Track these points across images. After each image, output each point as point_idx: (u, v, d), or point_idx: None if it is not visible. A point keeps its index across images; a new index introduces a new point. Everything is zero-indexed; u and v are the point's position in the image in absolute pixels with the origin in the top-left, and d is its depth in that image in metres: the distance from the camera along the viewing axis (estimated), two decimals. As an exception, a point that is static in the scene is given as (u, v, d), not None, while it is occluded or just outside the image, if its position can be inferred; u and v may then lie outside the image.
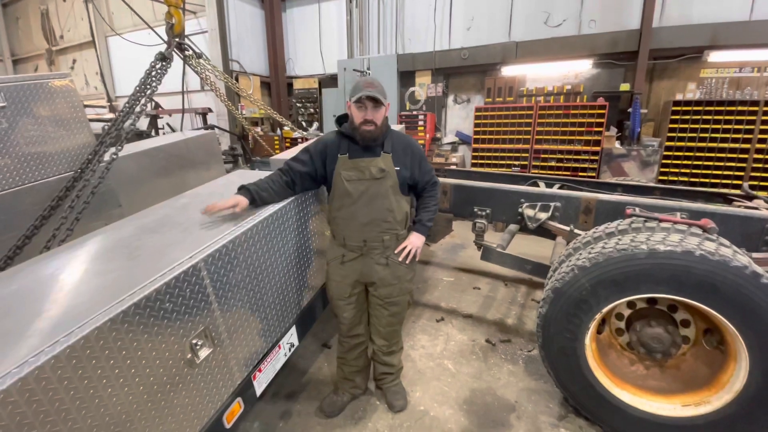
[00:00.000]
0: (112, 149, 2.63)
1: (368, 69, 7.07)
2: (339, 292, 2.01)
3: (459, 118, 7.57)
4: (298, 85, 8.78)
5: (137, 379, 1.21)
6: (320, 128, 7.93)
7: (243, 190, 1.82)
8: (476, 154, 6.69)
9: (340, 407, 2.22)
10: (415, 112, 7.33)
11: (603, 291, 1.88)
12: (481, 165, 6.59)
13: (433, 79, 7.34)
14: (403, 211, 1.97)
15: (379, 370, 2.30)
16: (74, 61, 11.39)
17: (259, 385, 1.78)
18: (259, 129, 8.26)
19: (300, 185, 1.96)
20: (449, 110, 7.67)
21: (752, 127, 5.02)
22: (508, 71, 6.71)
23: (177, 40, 3.12)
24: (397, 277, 2.00)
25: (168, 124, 6.99)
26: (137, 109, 2.74)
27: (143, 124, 7.25)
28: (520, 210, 2.79)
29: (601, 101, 5.86)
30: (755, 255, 2.09)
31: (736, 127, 5.11)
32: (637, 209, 2.28)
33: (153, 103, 7.36)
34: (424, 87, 7.43)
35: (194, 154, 3.74)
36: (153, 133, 6.89)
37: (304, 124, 8.60)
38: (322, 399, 2.27)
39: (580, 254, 2.05)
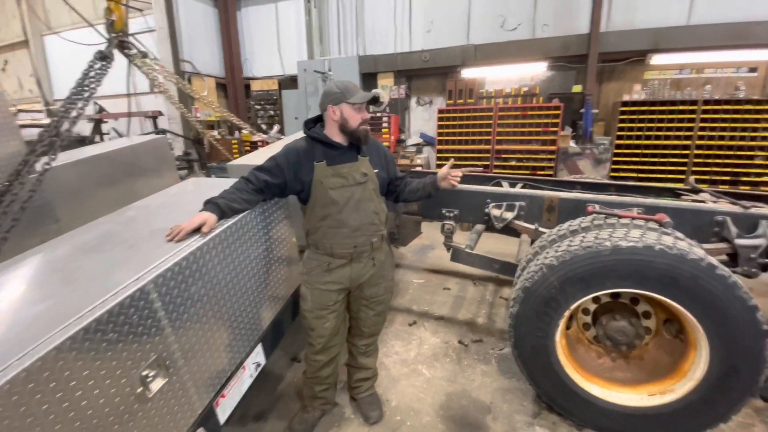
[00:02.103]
0: (45, 158, 2.36)
1: (330, 70, 6.94)
2: (323, 300, 1.90)
3: (422, 119, 7.63)
4: (256, 86, 8.48)
5: (78, 423, 1.06)
6: (281, 131, 7.69)
7: (210, 205, 1.65)
8: (441, 155, 6.75)
9: (312, 424, 2.11)
10: (379, 114, 7.29)
11: (571, 288, 1.91)
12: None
13: (395, 81, 7.34)
14: (385, 212, 1.98)
15: (354, 377, 2.23)
16: (6, 62, 10.34)
17: (223, 411, 1.64)
18: (215, 132, 7.87)
19: (268, 194, 1.86)
20: (412, 112, 7.70)
21: (692, 125, 5.43)
22: (467, 73, 6.84)
23: (118, 37, 2.86)
24: (382, 276, 1.99)
25: (114, 129, 6.50)
26: (73, 113, 2.47)
27: (86, 129, 6.69)
28: (486, 210, 2.80)
29: (556, 102, 6.10)
30: (705, 246, 2.21)
31: (678, 125, 5.50)
32: (597, 206, 2.36)
33: (97, 107, 6.82)
34: (387, 89, 7.42)
35: (143, 160, 3.46)
36: (97, 139, 6.37)
37: (264, 126, 8.31)
38: (291, 418, 2.15)
39: (547, 253, 2.07)
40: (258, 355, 1.89)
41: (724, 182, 5.39)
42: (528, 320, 2.03)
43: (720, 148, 5.39)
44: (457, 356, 2.74)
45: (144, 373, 1.26)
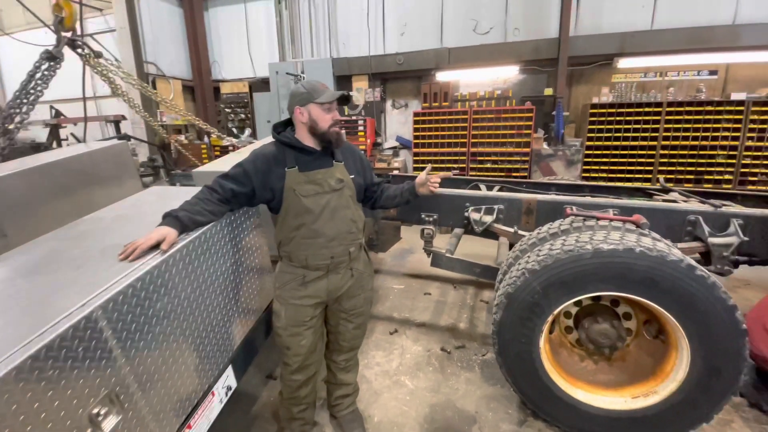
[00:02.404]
0: (-16, 168, 2.13)
1: (302, 73, 6.80)
2: (298, 316, 1.77)
3: (398, 122, 7.59)
4: (226, 89, 8.20)
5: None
6: (253, 134, 7.47)
7: (169, 218, 1.49)
8: (417, 158, 6.74)
9: (291, 448, 1.98)
10: (354, 117, 7.20)
11: (554, 293, 1.88)
12: (422, 169, 6.64)
13: (370, 83, 7.28)
14: (363, 219, 1.88)
15: (334, 394, 2.11)
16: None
17: (190, 443, 1.50)
18: (182, 137, 7.54)
19: (236, 204, 1.72)
20: (388, 115, 7.66)
21: (657, 126, 5.63)
22: (442, 77, 6.86)
23: (68, 36, 2.64)
24: (361, 287, 1.90)
25: (73, 135, 6.07)
26: (17, 119, 2.24)
27: (43, 135, 6.23)
28: (466, 214, 2.76)
29: (528, 105, 6.21)
30: (680, 245, 2.25)
31: (644, 126, 5.70)
32: (574, 208, 2.36)
33: (53, 111, 6.38)
34: (362, 92, 7.34)
35: (101, 168, 3.21)
36: (54, 146, 5.95)
37: (234, 130, 8.04)
38: (270, 441, 2.01)
39: (529, 257, 2.04)
40: (229, 379, 1.75)
41: (688, 181, 5.62)
42: (512, 327, 1.98)
43: (684, 148, 5.62)
44: (440, 364, 2.67)
45: (94, 411, 1.11)
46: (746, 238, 2.16)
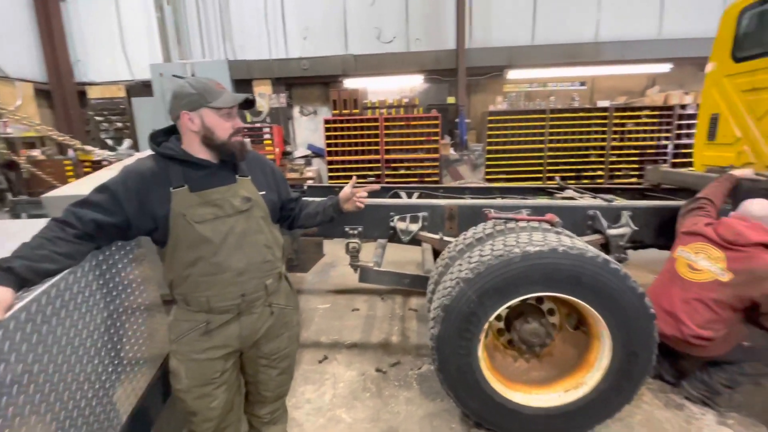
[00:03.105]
0: None
1: (193, 75, 6.05)
2: (204, 374, 1.40)
3: (308, 130, 7.29)
4: (95, 93, 6.93)
5: None
6: (134, 146, 6.41)
7: (0, 273, 1.03)
8: (332, 166, 6.53)
9: None
10: (258, 125, 6.67)
11: (488, 300, 1.85)
12: (338, 177, 6.46)
13: (274, 89, 6.84)
14: (280, 243, 1.55)
15: None
16: None
17: None
18: (38, 152, 6.12)
19: (103, 239, 1.30)
20: (296, 122, 7.30)
21: (543, 131, 6.34)
22: (349, 83, 6.78)
23: None
24: (284, 324, 1.57)
25: None
26: None
27: None
28: (392, 224, 2.65)
29: (434, 113, 6.47)
30: (584, 239, 2.44)
31: (533, 131, 6.37)
32: (492, 211, 2.41)
33: None
34: (265, 97, 6.85)
35: None
36: None
37: (110, 142, 6.82)
38: None
39: (460, 265, 1.99)
40: (111, 472, 1.31)
41: (570, 178, 6.43)
42: (450, 340, 1.90)
43: (565, 149, 6.42)
44: (377, 388, 2.49)
45: None
46: (636, 228, 2.44)
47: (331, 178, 6.56)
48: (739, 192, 2.44)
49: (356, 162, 6.46)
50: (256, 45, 6.80)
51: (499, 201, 2.77)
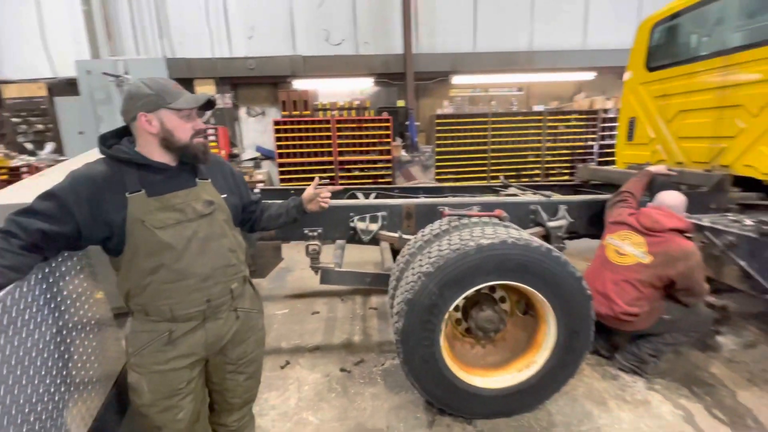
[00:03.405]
0: None
1: (127, 73, 5.63)
2: (170, 385, 1.34)
3: (256, 131, 7.08)
4: (11, 92, 6.17)
5: None
6: (59, 150, 5.80)
7: None
8: (283, 169, 6.39)
9: None
10: (203, 126, 6.34)
11: (448, 291, 1.96)
12: (290, 180, 6.35)
13: (218, 89, 6.55)
14: (243, 246, 1.54)
15: None
16: None
17: None
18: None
19: (51, 250, 1.21)
20: (243, 123, 7.06)
21: (486, 133, 6.73)
22: (299, 85, 6.70)
23: None
24: (251, 328, 1.55)
25: None
26: None
27: None
28: (352, 224, 2.69)
29: (385, 115, 6.60)
30: (528, 231, 2.66)
31: (477, 134, 6.74)
32: (447, 209, 2.55)
33: None
34: (209, 98, 6.53)
35: None
36: None
37: (29, 146, 6.10)
38: None
39: (420, 260, 2.09)
40: (67, 499, 1.21)
41: (511, 177, 6.88)
42: (414, 332, 1.99)
43: (506, 150, 6.88)
44: (342, 387, 2.51)
45: None
46: (572, 220, 2.72)
47: (282, 180, 6.42)
48: (654, 185, 2.81)
49: (308, 164, 6.40)
50: (197, 43, 6.47)
51: (452, 199, 2.93)
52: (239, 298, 1.51)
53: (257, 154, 7.04)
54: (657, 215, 2.34)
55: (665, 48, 3.65)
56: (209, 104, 1.42)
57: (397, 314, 2.03)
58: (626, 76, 4.03)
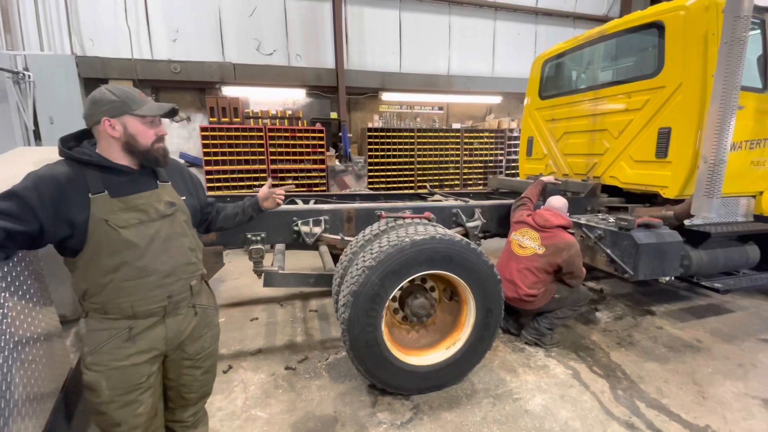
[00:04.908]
0: None
1: (26, 69, 5.05)
2: (129, 380, 1.38)
3: (181, 138, 6.74)
4: None
5: None
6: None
7: None
8: (210, 176, 6.18)
9: None
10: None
11: (388, 282, 2.25)
12: (219, 188, 6.16)
13: (137, 92, 6.14)
14: (201, 246, 1.64)
15: None
16: None
17: None
18: None
19: (11, 248, 1.23)
20: (167, 129, 6.66)
21: (412, 147, 7.30)
22: (228, 92, 6.58)
23: None
24: (207, 324, 1.64)
25: None
26: None
27: None
28: (295, 228, 2.86)
29: (318, 126, 6.80)
30: (453, 230, 3.10)
31: (405, 147, 7.28)
32: (384, 212, 2.87)
33: None
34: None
35: None
36: None
37: None
38: None
39: (363, 256, 2.35)
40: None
41: (436, 186, 7.55)
42: (359, 320, 2.23)
43: (430, 162, 7.53)
44: (289, 383, 2.63)
45: None
46: (485, 221, 3.23)
47: (210, 189, 6.20)
48: (546, 192, 3.47)
49: (239, 172, 6.29)
50: (111, 42, 6.00)
51: (387, 204, 3.25)
52: (197, 295, 1.61)
53: (181, 161, 6.68)
54: (547, 215, 2.93)
55: (553, 80, 4.49)
56: (173, 112, 1.53)
57: (343, 306, 2.25)
58: (525, 101, 4.84)
